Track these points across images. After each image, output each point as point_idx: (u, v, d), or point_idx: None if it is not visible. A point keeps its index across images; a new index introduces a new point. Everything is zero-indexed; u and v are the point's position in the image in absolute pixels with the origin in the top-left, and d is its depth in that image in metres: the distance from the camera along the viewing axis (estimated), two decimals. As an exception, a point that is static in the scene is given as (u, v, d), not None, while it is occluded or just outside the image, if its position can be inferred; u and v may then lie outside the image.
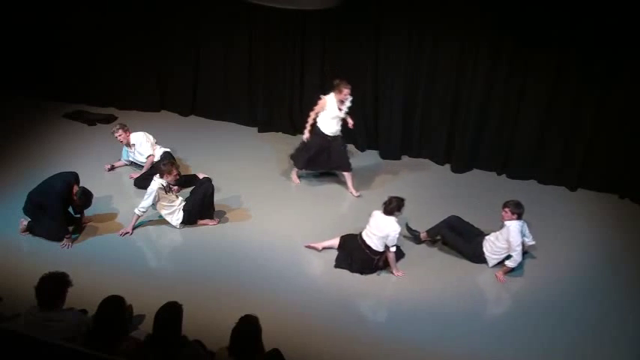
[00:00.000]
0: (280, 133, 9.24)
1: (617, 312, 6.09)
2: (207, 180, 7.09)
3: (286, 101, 9.11)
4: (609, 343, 5.71)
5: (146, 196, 6.72)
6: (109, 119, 9.26)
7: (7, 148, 8.27)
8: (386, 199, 6.42)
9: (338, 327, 5.71)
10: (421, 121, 8.52)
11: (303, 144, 7.66)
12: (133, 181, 7.78)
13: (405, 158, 8.81)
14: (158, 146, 7.95)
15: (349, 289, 6.23)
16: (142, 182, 7.65)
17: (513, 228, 6.36)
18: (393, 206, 6.34)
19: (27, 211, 6.61)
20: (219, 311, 5.59)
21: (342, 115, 7.45)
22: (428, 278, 6.49)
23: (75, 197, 6.56)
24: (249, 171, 8.12)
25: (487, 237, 6.66)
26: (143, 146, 7.82)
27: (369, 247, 6.36)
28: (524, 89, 7.84)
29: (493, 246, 6.55)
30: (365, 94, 8.62)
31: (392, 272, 6.46)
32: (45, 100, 9.52)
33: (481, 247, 6.61)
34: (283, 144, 9.00)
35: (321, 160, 7.67)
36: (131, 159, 8.02)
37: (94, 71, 9.38)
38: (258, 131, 9.27)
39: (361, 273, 6.43)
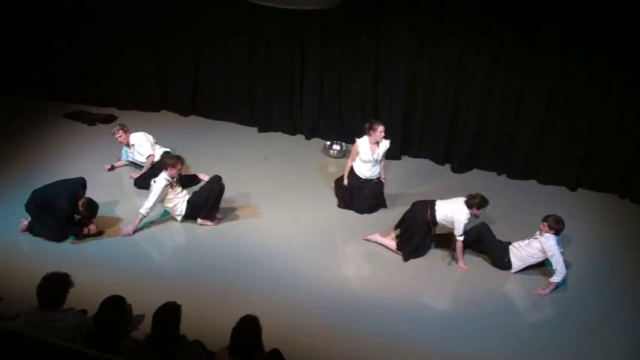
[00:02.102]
0: (280, 133, 9.25)
1: (617, 312, 6.09)
2: (219, 178, 7.03)
3: (286, 101, 9.11)
4: (609, 343, 5.71)
5: (151, 196, 6.69)
6: (109, 119, 9.27)
7: (7, 148, 8.27)
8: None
9: (338, 327, 5.71)
10: (421, 121, 8.53)
11: (344, 187, 7.45)
12: (133, 181, 7.77)
13: (405, 158, 8.81)
14: (158, 146, 7.96)
15: (350, 289, 6.23)
16: (142, 182, 7.66)
17: (547, 240, 6.24)
18: (475, 201, 6.35)
19: (29, 209, 6.60)
20: (219, 311, 5.59)
21: (375, 159, 7.15)
22: (428, 278, 6.48)
23: (81, 209, 6.56)
24: (249, 171, 8.12)
25: (512, 245, 6.56)
26: (143, 146, 7.83)
27: (433, 211, 6.50)
28: (524, 89, 7.84)
29: (521, 252, 6.47)
30: (365, 94, 8.64)
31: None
32: (45, 100, 9.54)
33: (508, 253, 6.52)
34: (283, 144, 9.03)
35: (356, 203, 7.42)
36: (131, 159, 8.02)
37: (94, 71, 9.39)
38: (258, 131, 9.27)
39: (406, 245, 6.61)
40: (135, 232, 6.80)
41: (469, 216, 6.40)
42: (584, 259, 6.78)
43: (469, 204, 6.38)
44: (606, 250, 7.02)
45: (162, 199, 6.77)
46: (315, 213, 7.42)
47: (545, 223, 6.33)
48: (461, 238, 6.43)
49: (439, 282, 6.44)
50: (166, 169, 6.73)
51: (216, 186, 6.97)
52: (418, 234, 6.64)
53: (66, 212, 6.53)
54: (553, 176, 8.22)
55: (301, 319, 5.78)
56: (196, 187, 7.41)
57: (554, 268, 6.22)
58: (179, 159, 6.89)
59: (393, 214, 7.40)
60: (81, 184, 6.69)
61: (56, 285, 4.44)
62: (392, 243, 6.78)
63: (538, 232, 6.44)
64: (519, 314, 6.11)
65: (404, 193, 7.87)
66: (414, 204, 6.81)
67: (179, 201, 6.91)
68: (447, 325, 5.83)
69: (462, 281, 6.45)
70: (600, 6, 7.03)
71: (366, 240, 6.92)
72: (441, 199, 6.74)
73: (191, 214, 6.99)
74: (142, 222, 6.86)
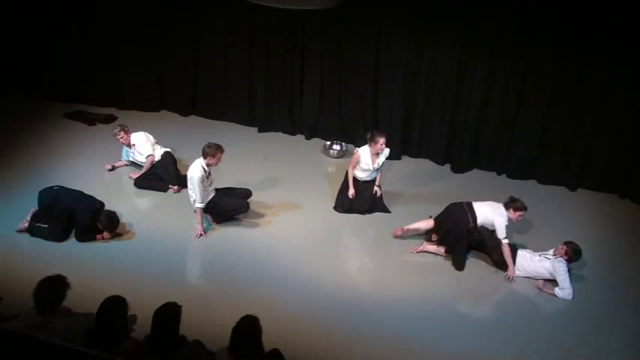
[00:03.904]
0: (280, 133, 9.25)
1: (617, 312, 6.09)
2: (247, 202, 7.04)
3: (286, 101, 9.11)
4: (609, 343, 5.71)
5: (195, 189, 6.62)
6: (109, 119, 9.27)
7: (7, 148, 8.27)
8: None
9: (338, 327, 5.71)
10: (421, 121, 8.53)
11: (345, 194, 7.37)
12: (133, 181, 7.77)
13: (405, 158, 8.81)
14: (158, 146, 7.96)
15: (350, 289, 6.23)
16: (142, 182, 7.67)
17: (559, 267, 6.22)
18: (515, 205, 6.39)
19: (41, 202, 6.59)
20: (219, 311, 5.58)
21: (375, 168, 7.15)
22: (429, 278, 6.48)
23: (99, 225, 6.61)
24: (249, 171, 8.11)
25: (521, 251, 6.52)
26: (143, 146, 7.83)
27: (473, 214, 6.49)
28: (524, 89, 7.85)
29: (529, 264, 6.42)
30: (365, 94, 8.64)
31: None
32: (45, 100, 9.53)
33: (514, 256, 6.49)
34: (283, 144, 9.03)
35: (357, 205, 7.37)
36: (131, 159, 8.02)
37: (94, 71, 9.40)
38: (258, 131, 9.27)
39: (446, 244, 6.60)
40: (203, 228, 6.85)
41: (506, 218, 6.40)
42: (584, 259, 6.76)
43: (507, 206, 6.42)
44: (606, 250, 7.02)
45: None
46: (315, 213, 7.42)
47: (565, 249, 6.27)
48: (506, 241, 6.37)
49: (439, 282, 6.43)
50: (205, 158, 6.65)
51: (243, 207, 6.98)
52: (462, 239, 6.57)
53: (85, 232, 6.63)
54: (553, 176, 8.22)
55: (301, 319, 5.77)
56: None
57: (560, 287, 6.20)
58: (219, 148, 6.70)
59: (392, 214, 7.42)
60: (102, 205, 6.71)
61: (52, 288, 4.42)
62: (433, 250, 6.76)
63: (552, 253, 6.38)
64: (520, 314, 6.10)
65: (404, 193, 7.88)
66: (448, 208, 6.74)
67: (205, 194, 6.81)
68: (446, 326, 5.83)
69: (463, 282, 6.44)
70: (600, 6, 7.03)
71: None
72: (455, 199, 6.78)
73: (208, 212, 6.95)
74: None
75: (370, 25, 8.16)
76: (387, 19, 8.02)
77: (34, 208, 6.70)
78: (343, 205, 7.39)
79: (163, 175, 7.72)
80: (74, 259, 6.30)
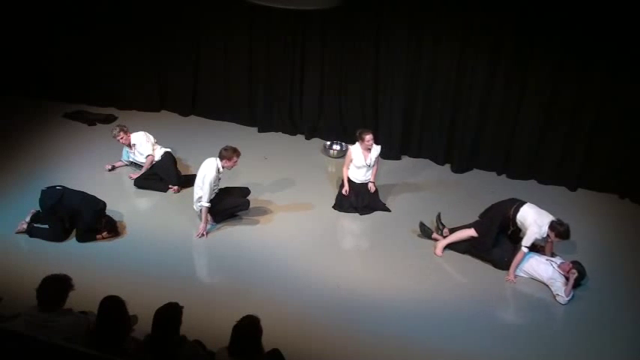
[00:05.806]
0: (280, 133, 9.26)
1: (617, 312, 6.09)
2: (248, 201, 7.05)
3: (286, 101, 9.12)
4: (609, 343, 5.71)
5: (205, 188, 6.62)
6: (109, 119, 9.27)
7: (7, 148, 8.27)
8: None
9: (338, 327, 5.71)
10: (421, 121, 8.53)
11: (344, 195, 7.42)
12: (133, 181, 7.77)
13: (405, 158, 8.81)
14: (158, 146, 7.96)
15: (350, 289, 6.22)
16: (142, 182, 7.67)
17: (560, 278, 6.23)
18: (559, 229, 6.19)
19: (45, 203, 6.58)
20: (219, 311, 5.59)
21: (368, 164, 7.27)
22: (429, 278, 6.48)
23: (100, 226, 6.65)
24: (249, 171, 8.11)
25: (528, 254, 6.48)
26: (143, 146, 7.83)
27: (515, 213, 6.42)
28: (524, 89, 7.84)
29: (532, 264, 6.39)
30: (365, 94, 8.64)
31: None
32: (45, 100, 9.54)
33: (509, 253, 6.48)
34: (283, 144, 9.03)
35: (357, 205, 7.39)
36: (131, 159, 8.02)
37: (94, 71, 9.39)
38: (258, 131, 9.27)
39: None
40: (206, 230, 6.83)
41: (545, 235, 6.29)
42: (583, 259, 6.75)
43: (552, 226, 6.25)
44: (606, 250, 7.02)
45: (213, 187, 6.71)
46: (315, 213, 7.42)
47: (570, 269, 6.20)
48: (525, 250, 6.30)
49: (440, 282, 6.43)
50: (221, 160, 6.70)
51: (244, 205, 7.00)
52: (495, 222, 6.54)
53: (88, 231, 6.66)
54: (553, 176, 8.22)
55: (301, 319, 5.78)
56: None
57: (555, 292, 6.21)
58: (235, 151, 6.77)
59: (392, 213, 7.42)
60: (104, 205, 6.73)
61: (56, 287, 4.41)
62: (460, 235, 6.73)
63: (558, 263, 6.35)
64: (520, 314, 6.12)
65: (404, 193, 7.88)
66: (505, 200, 6.70)
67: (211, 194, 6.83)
68: (447, 326, 5.83)
69: (463, 282, 6.45)
70: (600, 6, 7.03)
71: (440, 253, 6.76)
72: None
73: (209, 210, 6.92)
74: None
75: (370, 25, 8.15)
76: (387, 19, 8.03)
77: (33, 209, 6.71)
78: (343, 204, 7.41)
79: (163, 175, 7.72)
80: (74, 259, 6.30)
